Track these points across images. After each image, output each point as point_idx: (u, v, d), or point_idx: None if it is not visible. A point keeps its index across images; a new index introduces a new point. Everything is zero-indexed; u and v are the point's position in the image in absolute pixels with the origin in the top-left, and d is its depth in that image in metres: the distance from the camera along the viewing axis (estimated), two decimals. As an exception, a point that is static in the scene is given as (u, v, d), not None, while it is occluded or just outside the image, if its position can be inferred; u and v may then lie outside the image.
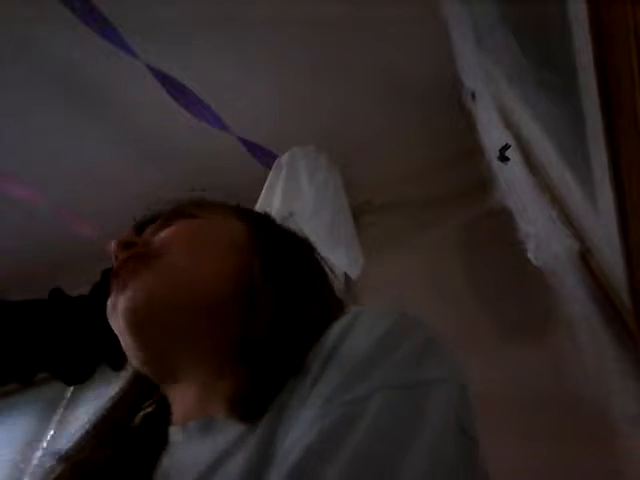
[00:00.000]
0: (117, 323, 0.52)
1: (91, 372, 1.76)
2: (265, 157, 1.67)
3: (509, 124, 1.01)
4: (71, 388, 1.81)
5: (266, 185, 1.52)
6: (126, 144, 1.74)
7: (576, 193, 0.83)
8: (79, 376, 1.76)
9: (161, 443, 0.51)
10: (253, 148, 1.65)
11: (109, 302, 0.54)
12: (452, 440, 0.36)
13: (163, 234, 0.57)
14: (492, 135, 1.01)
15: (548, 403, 1.14)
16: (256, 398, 0.43)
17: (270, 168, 1.61)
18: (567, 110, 0.74)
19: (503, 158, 0.89)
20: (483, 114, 1.08)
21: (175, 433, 0.50)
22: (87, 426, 0.55)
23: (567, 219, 0.87)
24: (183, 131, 1.66)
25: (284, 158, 1.64)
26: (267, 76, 1.59)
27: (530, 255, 0.86)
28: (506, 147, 0.88)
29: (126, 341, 0.52)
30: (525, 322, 1.30)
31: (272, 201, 1.44)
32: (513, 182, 0.92)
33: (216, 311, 0.51)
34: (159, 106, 1.53)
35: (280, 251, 0.59)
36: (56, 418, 1.74)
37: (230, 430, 0.43)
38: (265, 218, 0.68)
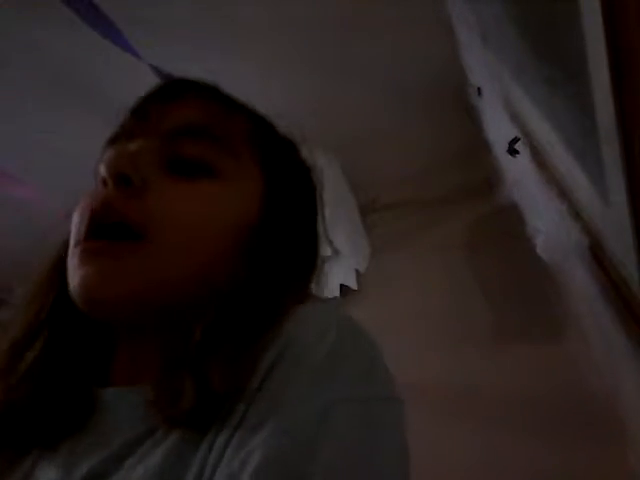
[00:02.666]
0: (73, 294, 0.42)
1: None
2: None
3: (516, 119, 1.01)
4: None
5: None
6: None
7: (585, 187, 0.83)
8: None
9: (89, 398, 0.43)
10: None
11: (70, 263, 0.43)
12: (406, 454, 0.37)
13: (164, 202, 0.43)
14: (499, 130, 1.00)
15: (558, 400, 1.14)
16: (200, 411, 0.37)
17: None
18: (575, 104, 0.74)
19: (512, 151, 0.89)
20: (489, 109, 1.08)
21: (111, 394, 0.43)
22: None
23: (576, 213, 0.86)
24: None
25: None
26: (269, 77, 1.58)
27: (539, 250, 0.85)
28: (515, 140, 0.88)
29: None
30: (533, 319, 1.29)
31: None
32: (521, 177, 0.92)
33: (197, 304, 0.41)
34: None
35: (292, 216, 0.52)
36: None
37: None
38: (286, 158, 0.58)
